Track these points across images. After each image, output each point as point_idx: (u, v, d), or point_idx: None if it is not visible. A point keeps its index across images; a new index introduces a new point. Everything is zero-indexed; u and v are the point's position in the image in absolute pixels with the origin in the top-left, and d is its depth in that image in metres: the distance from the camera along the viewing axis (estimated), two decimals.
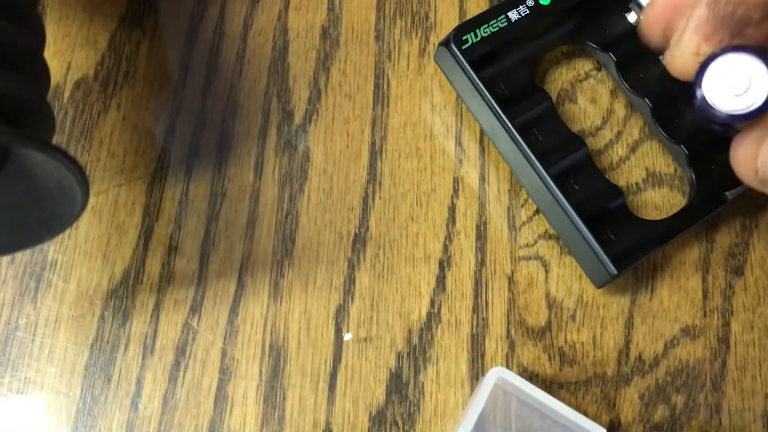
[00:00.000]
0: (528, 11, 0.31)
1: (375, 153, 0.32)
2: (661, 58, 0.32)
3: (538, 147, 0.30)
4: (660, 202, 0.32)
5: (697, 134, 0.31)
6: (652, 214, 0.32)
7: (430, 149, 0.32)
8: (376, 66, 0.34)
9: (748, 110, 0.23)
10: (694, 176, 0.31)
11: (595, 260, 0.29)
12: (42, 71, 0.23)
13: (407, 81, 0.33)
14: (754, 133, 0.24)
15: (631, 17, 0.32)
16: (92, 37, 0.33)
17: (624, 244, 0.29)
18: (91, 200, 0.31)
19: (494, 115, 0.30)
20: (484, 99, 0.30)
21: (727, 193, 0.30)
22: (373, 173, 0.32)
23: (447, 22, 0.34)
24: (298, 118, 0.33)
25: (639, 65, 0.32)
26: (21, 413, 0.28)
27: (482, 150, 0.32)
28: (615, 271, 0.28)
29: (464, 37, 0.30)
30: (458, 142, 0.32)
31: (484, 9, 0.34)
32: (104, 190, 0.31)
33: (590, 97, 0.33)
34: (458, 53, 0.30)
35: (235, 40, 0.34)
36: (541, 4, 0.31)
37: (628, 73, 0.32)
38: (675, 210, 0.31)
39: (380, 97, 0.33)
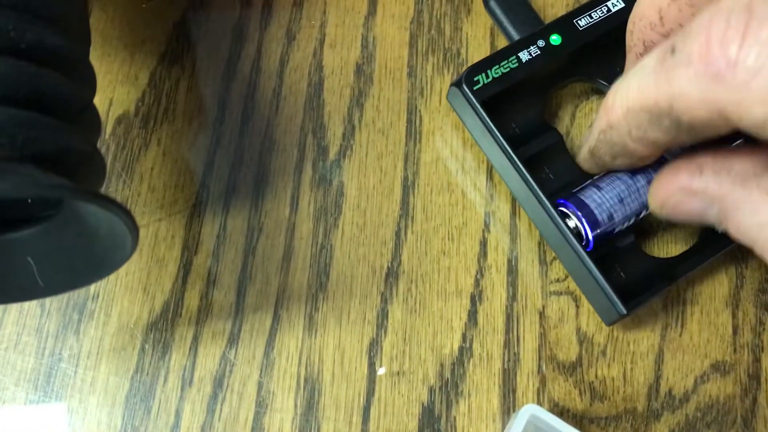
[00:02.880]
0: (539, 51, 0.31)
1: (407, 188, 0.33)
2: None
3: (548, 186, 0.30)
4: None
5: None
6: (659, 252, 0.32)
7: (461, 184, 0.33)
8: (409, 102, 0.34)
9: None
10: None
11: (604, 299, 0.29)
12: (94, 120, 0.24)
13: (439, 117, 0.34)
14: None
15: None
16: (133, 75, 0.34)
17: (634, 282, 0.30)
18: None
19: (504, 154, 0.30)
20: (494, 138, 0.30)
21: None
22: (406, 208, 0.33)
23: (478, 58, 0.35)
24: (332, 153, 0.33)
25: None
26: None
27: None
28: (624, 311, 0.28)
29: (476, 78, 0.31)
30: (489, 177, 0.33)
31: None
32: (144, 225, 0.32)
33: None
34: (469, 94, 0.31)
35: (272, 77, 0.34)
36: (552, 45, 0.32)
37: None
38: (684, 248, 0.31)
39: (413, 132, 0.34)
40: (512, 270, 0.32)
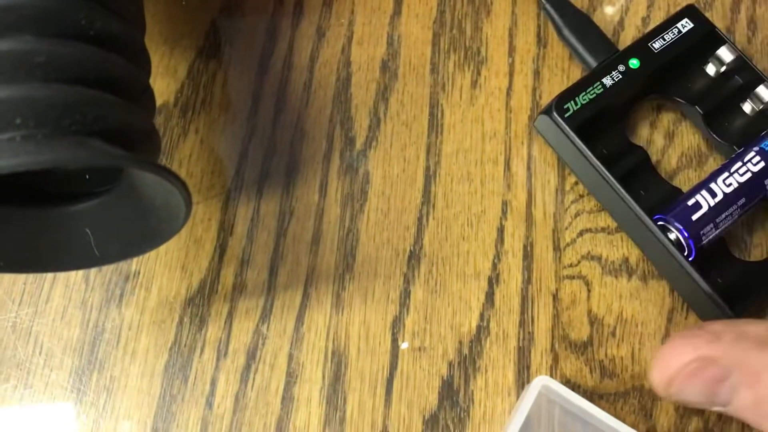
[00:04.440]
0: (621, 76, 0.33)
1: (429, 177, 0.35)
2: (742, 105, 0.34)
3: (642, 201, 0.32)
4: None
5: None
6: (745, 256, 0.34)
7: (480, 174, 0.35)
8: (431, 96, 0.36)
9: None
10: None
11: (711, 306, 0.30)
12: (151, 101, 0.26)
13: (460, 111, 0.36)
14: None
15: (710, 69, 0.35)
16: (173, 67, 0.37)
17: (732, 286, 0.31)
18: None
19: (600, 175, 0.32)
20: (589, 162, 0.32)
21: None
22: (428, 195, 0.35)
23: (497, 56, 0.37)
24: (359, 144, 0.35)
25: (724, 115, 0.34)
26: (107, 408, 0.31)
27: (530, 175, 0.35)
28: (733, 315, 0.30)
29: (565, 106, 0.33)
30: (507, 168, 0.35)
31: (532, 45, 0.37)
32: None
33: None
34: (561, 121, 0.32)
35: (303, 72, 0.37)
36: (632, 68, 0.33)
37: (714, 124, 0.34)
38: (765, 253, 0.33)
39: (435, 125, 0.36)
40: (527, 255, 0.34)
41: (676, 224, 0.31)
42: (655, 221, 0.31)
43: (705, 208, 0.31)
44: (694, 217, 0.31)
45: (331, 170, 0.35)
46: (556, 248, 0.34)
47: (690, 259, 0.31)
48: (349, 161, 0.35)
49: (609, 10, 0.38)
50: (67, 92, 0.21)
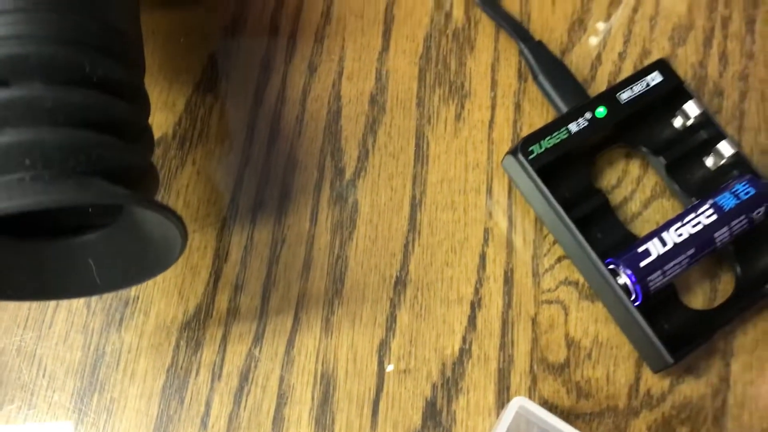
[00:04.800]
0: (587, 123, 0.35)
1: (415, 205, 0.37)
2: (705, 159, 0.36)
3: (598, 244, 0.34)
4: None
5: (745, 234, 0.34)
6: (696, 303, 0.35)
7: (464, 203, 0.37)
8: (417, 129, 0.38)
9: None
10: (740, 269, 0.35)
11: (652, 350, 0.32)
12: (150, 140, 0.27)
13: (444, 142, 0.38)
14: None
15: (677, 122, 0.36)
16: (171, 101, 0.38)
17: (678, 333, 0.33)
18: None
19: (558, 217, 0.34)
20: (548, 203, 0.34)
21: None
22: (413, 223, 0.36)
23: (480, 90, 0.39)
24: (348, 174, 0.37)
25: (687, 167, 0.36)
26: (107, 428, 0.33)
27: (510, 204, 0.37)
28: (672, 361, 0.32)
29: (530, 148, 0.34)
30: (489, 197, 0.37)
31: (513, 80, 0.39)
32: None
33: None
34: (525, 163, 0.34)
35: (295, 105, 0.38)
36: (598, 117, 0.35)
37: (677, 174, 0.36)
38: (721, 300, 0.34)
39: (420, 156, 0.38)
40: (508, 281, 0.35)
41: (625, 269, 0.32)
42: (606, 265, 0.33)
43: (654, 256, 0.32)
44: (642, 264, 0.32)
45: (321, 199, 0.37)
46: (536, 274, 0.36)
47: (636, 303, 0.32)
48: (339, 191, 0.37)
49: (593, 40, 0.40)
50: (72, 135, 0.23)
